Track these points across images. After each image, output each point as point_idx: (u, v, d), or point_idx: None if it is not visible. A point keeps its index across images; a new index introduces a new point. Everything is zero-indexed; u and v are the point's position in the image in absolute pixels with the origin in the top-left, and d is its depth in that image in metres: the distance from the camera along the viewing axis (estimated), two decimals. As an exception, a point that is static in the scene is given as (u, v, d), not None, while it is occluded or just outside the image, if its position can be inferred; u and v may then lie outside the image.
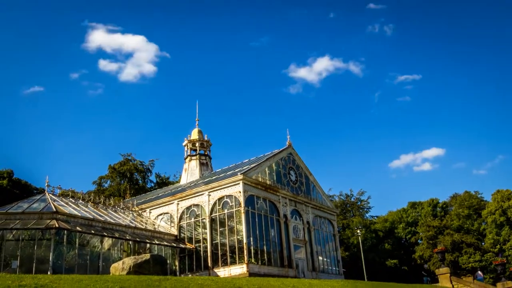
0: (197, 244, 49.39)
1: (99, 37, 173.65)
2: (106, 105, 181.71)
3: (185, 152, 68.27)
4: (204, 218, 49.67)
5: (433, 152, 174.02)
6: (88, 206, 47.60)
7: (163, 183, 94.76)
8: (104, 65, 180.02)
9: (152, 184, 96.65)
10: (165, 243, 47.68)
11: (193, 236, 50.14)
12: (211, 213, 49.24)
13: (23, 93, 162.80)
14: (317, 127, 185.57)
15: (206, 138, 68.95)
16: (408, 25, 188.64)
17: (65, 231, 38.32)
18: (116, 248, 44.50)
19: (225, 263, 46.72)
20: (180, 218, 51.88)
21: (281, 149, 57.27)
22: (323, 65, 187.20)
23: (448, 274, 48.67)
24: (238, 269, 45.11)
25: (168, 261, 45.61)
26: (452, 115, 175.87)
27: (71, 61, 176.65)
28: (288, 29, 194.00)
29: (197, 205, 50.95)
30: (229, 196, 48.63)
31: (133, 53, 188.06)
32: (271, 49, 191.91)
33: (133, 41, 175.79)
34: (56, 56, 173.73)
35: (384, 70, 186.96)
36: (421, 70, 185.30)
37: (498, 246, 78.96)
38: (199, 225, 50.20)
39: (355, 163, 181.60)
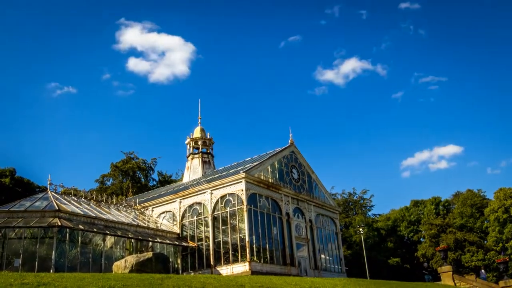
0: (199, 242, 49.42)
1: (133, 36, 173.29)
2: (133, 105, 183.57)
3: (188, 150, 68.28)
4: (206, 216, 49.69)
5: (450, 150, 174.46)
6: (91, 204, 47.61)
7: (165, 181, 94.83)
8: (136, 64, 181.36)
9: (155, 183, 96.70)
10: (168, 241, 47.71)
11: (196, 234, 50.17)
12: (213, 211, 49.25)
13: (56, 94, 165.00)
14: (332, 127, 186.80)
15: (208, 136, 68.91)
16: (440, 26, 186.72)
17: (68, 229, 38.37)
18: (118, 246, 44.50)
19: (227, 261, 46.75)
20: (183, 216, 51.91)
21: (283, 148, 57.30)
22: (350, 66, 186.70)
23: (451, 272, 48.61)
24: (241, 267, 45.12)
25: (170, 259, 45.66)
26: (474, 115, 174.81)
27: (103, 60, 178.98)
28: (319, 29, 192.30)
29: (199, 203, 50.97)
30: (232, 194, 48.63)
31: (168, 53, 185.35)
32: (300, 49, 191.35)
33: (168, 41, 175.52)
34: (89, 55, 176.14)
35: (410, 70, 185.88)
36: (448, 72, 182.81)
37: (500, 244, 78.75)
38: (201, 223, 50.22)
39: (368, 162, 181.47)
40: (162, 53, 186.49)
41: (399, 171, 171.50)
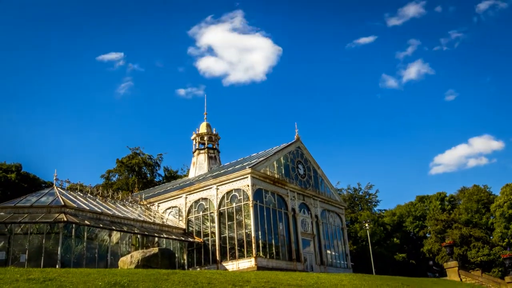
0: (205, 238, 49.43)
1: (213, 36, 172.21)
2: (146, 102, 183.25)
3: (193, 146, 68.31)
4: (212, 212, 49.69)
5: (491, 145, 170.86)
6: (97, 199, 47.66)
7: (171, 177, 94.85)
8: (210, 65, 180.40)
9: (160, 178, 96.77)
10: (173, 236, 47.72)
11: (201, 230, 50.18)
12: (219, 207, 49.24)
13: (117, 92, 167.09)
14: (362, 126, 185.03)
15: (214, 132, 68.88)
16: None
17: (74, 225, 38.36)
18: (124, 242, 44.57)
19: (233, 257, 46.73)
20: (188, 212, 51.93)
21: (289, 143, 57.17)
22: (414, 69, 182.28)
23: (456, 268, 48.67)
24: (246, 263, 45.10)
25: (176, 255, 45.74)
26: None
27: (177, 58, 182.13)
28: (389, 30, 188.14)
29: (205, 199, 50.97)
30: (238, 190, 48.60)
31: (250, 55, 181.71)
32: (367, 51, 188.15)
33: (254, 42, 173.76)
34: (168, 52, 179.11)
35: (471, 73, 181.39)
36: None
37: (506, 240, 78.56)
38: (207, 219, 50.22)
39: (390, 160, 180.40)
40: (240, 54, 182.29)
41: (427, 168, 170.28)
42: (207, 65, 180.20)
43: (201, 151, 67.15)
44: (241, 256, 46.15)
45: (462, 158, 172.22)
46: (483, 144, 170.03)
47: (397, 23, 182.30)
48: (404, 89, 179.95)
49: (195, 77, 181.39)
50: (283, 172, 53.90)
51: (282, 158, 54.69)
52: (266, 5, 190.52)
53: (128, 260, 32.48)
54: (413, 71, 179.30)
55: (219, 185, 50.07)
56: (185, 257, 48.74)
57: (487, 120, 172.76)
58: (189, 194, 52.53)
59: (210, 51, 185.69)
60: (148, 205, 55.51)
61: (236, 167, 53.22)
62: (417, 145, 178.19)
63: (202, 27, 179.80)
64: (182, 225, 51.26)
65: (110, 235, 41.96)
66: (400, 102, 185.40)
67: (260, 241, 46.48)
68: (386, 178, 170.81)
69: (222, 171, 54.94)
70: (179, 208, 52.96)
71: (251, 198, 47.11)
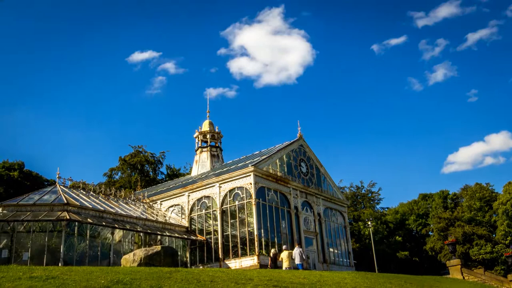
0: (208, 236, 49.42)
1: (248, 36, 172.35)
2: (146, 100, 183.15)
3: (196, 144, 68.32)
4: (215, 210, 49.66)
5: (509, 143, 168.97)
6: (99, 198, 47.62)
7: (174, 175, 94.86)
8: (243, 65, 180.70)
9: (163, 176, 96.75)
10: (176, 235, 47.72)
11: (204, 228, 50.17)
12: (222, 205, 49.22)
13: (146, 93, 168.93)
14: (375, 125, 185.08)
15: (217, 130, 68.90)
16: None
17: (76, 223, 38.39)
18: (127, 240, 44.57)
19: (236, 255, 46.72)
20: (191, 210, 51.91)
21: (292, 141, 57.15)
22: (440, 73, 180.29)
23: (459, 266, 48.49)
24: (249, 261, 45.08)
25: (179, 253, 45.67)
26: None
27: (209, 59, 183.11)
28: (419, 30, 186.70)
29: (208, 197, 50.95)
30: (240, 188, 48.57)
31: (283, 56, 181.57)
32: (395, 54, 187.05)
33: (288, 43, 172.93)
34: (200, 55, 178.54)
35: (495, 70, 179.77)
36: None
37: (509, 238, 78.44)
38: (210, 217, 50.19)
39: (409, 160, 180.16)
40: (273, 55, 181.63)
41: (441, 166, 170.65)
42: (239, 65, 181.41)
43: (204, 149, 67.17)
44: (244, 254, 46.15)
45: (479, 156, 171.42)
46: (500, 141, 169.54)
47: (428, 23, 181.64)
48: (428, 91, 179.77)
49: (227, 78, 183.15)
50: (285, 170, 53.87)
51: (284, 156, 54.66)
52: (302, 3, 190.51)
53: (131, 258, 32.44)
54: (440, 74, 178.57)
55: (221, 183, 50.06)
56: (187, 255, 48.77)
57: (505, 118, 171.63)
58: (192, 192, 52.52)
59: (244, 51, 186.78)
60: (151, 203, 55.51)
61: (239, 165, 53.23)
62: (431, 144, 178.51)
63: (236, 28, 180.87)
64: (185, 223, 51.26)
65: (112, 233, 41.98)
66: (422, 103, 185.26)
67: (263, 239, 46.45)
68: (391, 178, 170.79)
69: (224, 169, 54.93)
70: (181, 206, 52.95)
71: (253, 196, 47.10)
